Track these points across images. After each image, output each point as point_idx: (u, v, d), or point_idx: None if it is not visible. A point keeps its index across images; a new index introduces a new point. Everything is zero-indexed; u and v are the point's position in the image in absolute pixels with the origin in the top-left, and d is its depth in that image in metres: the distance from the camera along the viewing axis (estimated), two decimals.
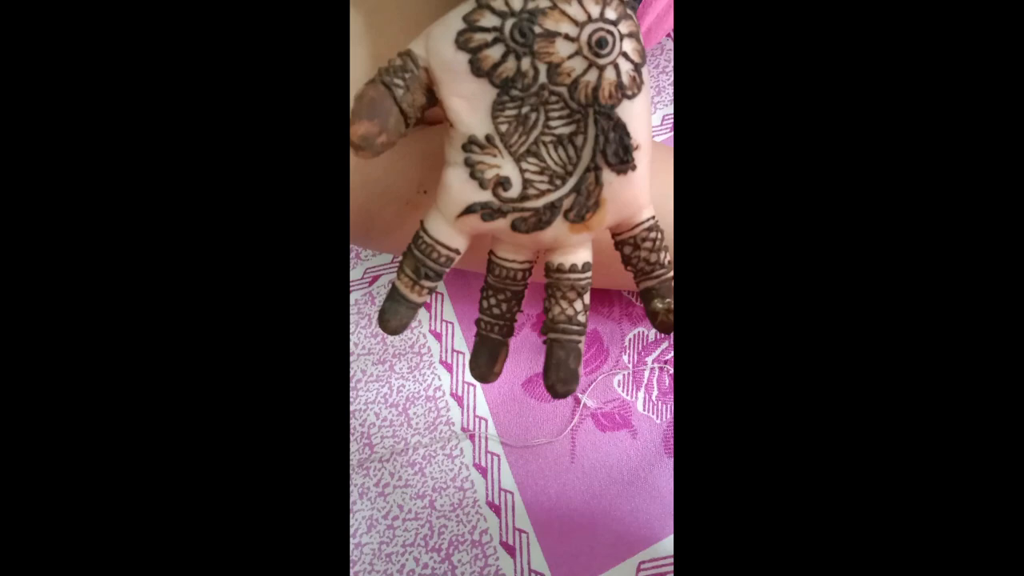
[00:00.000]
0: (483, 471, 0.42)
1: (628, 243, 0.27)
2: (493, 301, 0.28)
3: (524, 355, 0.44)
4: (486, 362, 0.29)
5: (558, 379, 0.27)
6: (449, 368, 0.46)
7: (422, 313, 0.47)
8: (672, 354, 0.43)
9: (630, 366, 0.43)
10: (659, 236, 0.27)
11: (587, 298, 0.27)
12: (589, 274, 0.27)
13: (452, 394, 0.45)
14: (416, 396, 0.45)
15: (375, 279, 0.48)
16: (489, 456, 0.43)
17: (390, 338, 0.47)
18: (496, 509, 0.41)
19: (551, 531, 0.40)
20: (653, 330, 0.44)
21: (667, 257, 0.27)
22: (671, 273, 0.27)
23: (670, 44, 0.53)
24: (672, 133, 0.50)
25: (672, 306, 0.27)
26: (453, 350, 0.46)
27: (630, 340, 0.44)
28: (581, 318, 0.27)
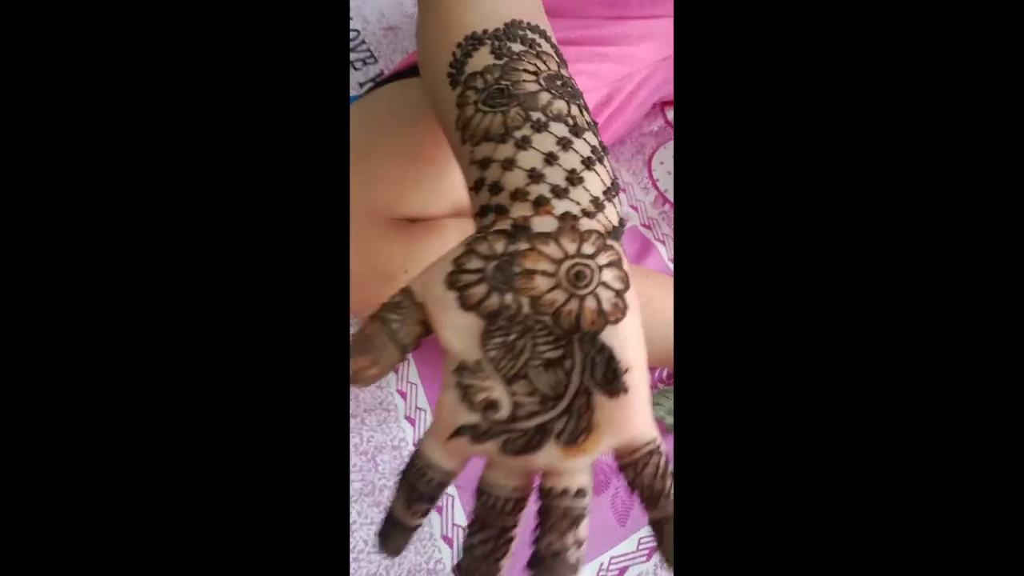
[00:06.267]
0: (439, 509, 0.50)
1: (630, 467, 0.26)
2: (476, 539, 0.26)
3: None
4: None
5: None
6: (412, 422, 0.54)
7: (390, 375, 0.56)
8: None
9: None
10: (662, 460, 0.26)
11: (583, 530, 0.25)
12: (586, 501, 0.25)
13: (415, 444, 0.53)
14: (383, 446, 0.53)
15: None
16: (444, 496, 0.50)
17: (361, 395, 0.55)
18: (449, 541, 0.49)
19: None
20: None
21: (670, 484, 0.26)
22: (672, 506, 0.26)
23: None
24: None
25: (671, 554, 0.26)
26: (416, 407, 0.55)
27: None
28: (571, 556, 0.25)
